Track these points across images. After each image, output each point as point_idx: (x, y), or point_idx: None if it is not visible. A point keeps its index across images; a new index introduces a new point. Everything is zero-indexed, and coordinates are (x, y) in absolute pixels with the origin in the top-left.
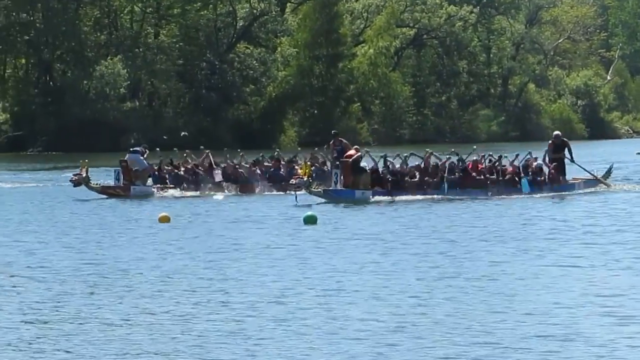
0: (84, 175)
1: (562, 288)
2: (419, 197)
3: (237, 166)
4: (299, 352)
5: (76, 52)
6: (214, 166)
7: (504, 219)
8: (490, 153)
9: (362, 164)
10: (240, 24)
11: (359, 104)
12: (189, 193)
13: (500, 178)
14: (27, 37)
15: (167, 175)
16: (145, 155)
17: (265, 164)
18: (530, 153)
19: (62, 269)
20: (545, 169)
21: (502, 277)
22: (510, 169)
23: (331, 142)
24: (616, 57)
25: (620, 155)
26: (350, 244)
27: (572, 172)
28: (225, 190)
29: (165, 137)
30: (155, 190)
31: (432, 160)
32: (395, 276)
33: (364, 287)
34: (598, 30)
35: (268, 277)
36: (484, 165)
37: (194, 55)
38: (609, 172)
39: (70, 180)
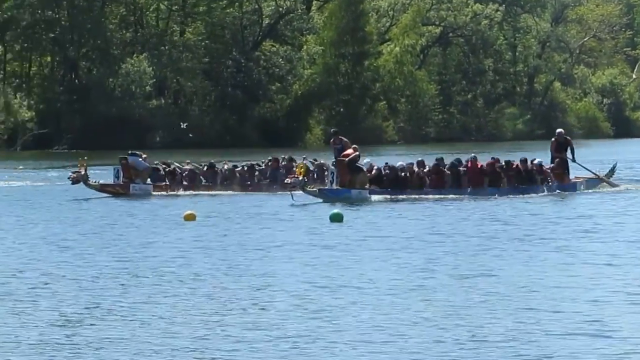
0: (83, 173)
1: (596, 285)
2: (417, 196)
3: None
4: (335, 351)
5: (102, 50)
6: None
7: (527, 217)
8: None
9: (364, 160)
10: (266, 22)
11: (384, 102)
12: (187, 192)
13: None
14: (53, 35)
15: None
16: (142, 157)
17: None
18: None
19: (94, 268)
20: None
21: (532, 275)
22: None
23: (331, 141)
24: None
25: None
26: (379, 242)
27: (573, 172)
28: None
29: (190, 134)
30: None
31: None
32: (427, 274)
33: (396, 285)
34: (623, 29)
35: (301, 274)
36: (482, 165)
37: (220, 53)
38: (612, 171)
39: (68, 178)
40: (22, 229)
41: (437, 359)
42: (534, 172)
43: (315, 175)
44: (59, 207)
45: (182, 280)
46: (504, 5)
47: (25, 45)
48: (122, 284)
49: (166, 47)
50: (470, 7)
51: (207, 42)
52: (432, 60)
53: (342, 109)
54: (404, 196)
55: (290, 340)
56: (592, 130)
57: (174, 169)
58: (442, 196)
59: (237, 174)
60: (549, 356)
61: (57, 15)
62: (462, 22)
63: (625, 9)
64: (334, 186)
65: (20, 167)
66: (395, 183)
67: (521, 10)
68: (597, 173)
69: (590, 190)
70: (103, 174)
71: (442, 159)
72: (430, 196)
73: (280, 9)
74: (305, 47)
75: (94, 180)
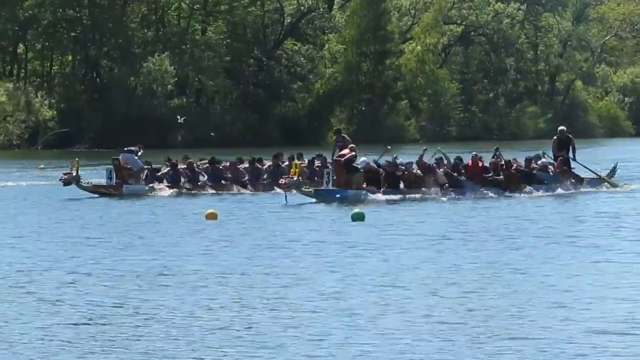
0: (75, 174)
1: (625, 283)
2: (416, 195)
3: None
4: (360, 349)
5: (123, 49)
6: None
7: (554, 215)
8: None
9: (360, 159)
10: (288, 21)
11: (406, 101)
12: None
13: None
14: (74, 34)
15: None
16: (139, 154)
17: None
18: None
19: (121, 267)
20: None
21: (562, 273)
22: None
23: (334, 139)
24: None
25: None
26: (404, 240)
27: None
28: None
29: (212, 133)
30: (148, 188)
31: (426, 158)
32: (453, 272)
33: (422, 284)
34: None
35: (325, 274)
36: (482, 163)
37: (242, 52)
38: (613, 171)
39: (60, 180)
40: (46, 228)
41: (465, 358)
42: (535, 171)
43: (316, 177)
44: (80, 206)
45: (210, 278)
46: (525, 4)
47: (47, 44)
48: (151, 282)
49: (188, 46)
50: (491, 6)
51: (228, 40)
52: (453, 59)
53: (363, 108)
54: (401, 196)
55: (319, 338)
56: (613, 129)
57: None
58: (445, 196)
59: (240, 172)
60: (579, 354)
61: (78, 14)
62: (484, 21)
63: None
64: (330, 186)
65: (42, 165)
66: (391, 183)
67: (542, 9)
68: (599, 173)
69: (591, 190)
70: (99, 175)
71: (441, 158)
72: (428, 196)
73: (302, 8)
74: (327, 45)
75: (86, 181)
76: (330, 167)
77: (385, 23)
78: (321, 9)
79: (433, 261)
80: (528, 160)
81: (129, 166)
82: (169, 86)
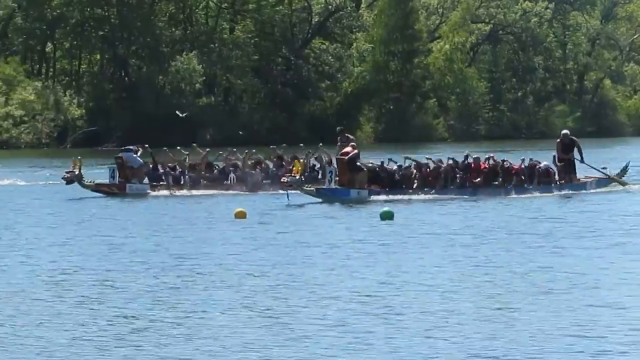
0: (77, 172)
1: None
2: (417, 196)
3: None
4: (397, 348)
5: (151, 48)
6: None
7: (573, 214)
8: (492, 155)
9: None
10: (316, 20)
11: (434, 99)
12: (179, 192)
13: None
14: (102, 33)
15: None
16: (138, 154)
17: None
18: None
19: (154, 266)
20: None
21: (589, 270)
22: (515, 167)
23: (338, 138)
24: None
25: None
26: (434, 239)
27: (582, 173)
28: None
29: (241, 132)
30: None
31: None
32: (484, 271)
33: (457, 281)
34: None
35: (358, 272)
36: (486, 165)
37: (270, 51)
38: (624, 170)
39: (62, 178)
40: (77, 228)
41: (498, 354)
42: (537, 173)
43: (319, 175)
44: (110, 205)
45: (242, 276)
46: (553, 3)
47: (75, 43)
48: (185, 281)
49: (216, 45)
50: (519, 4)
51: (256, 39)
52: (482, 58)
53: (391, 107)
54: (404, 196)
55: (353, 335)
56: None
57: (175, 167)
58: (445, 196)
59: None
60: (609, 351)
61: (106, 13)
62: (512, 20)
63: None
64: (333, 185)
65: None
66: (393, 183)
67: (571, 8)
68: (607, 172)
69: (600, 190)
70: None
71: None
72: (431, 196)
73: (330, 7)
74: (355, 44)
75: (89, 180)
76: (331, 166)
77: (413, 22)
78: (349, 8)
79: (470, 259)
80: (529, 162)
81: (129, 165)
82: (197, 85)
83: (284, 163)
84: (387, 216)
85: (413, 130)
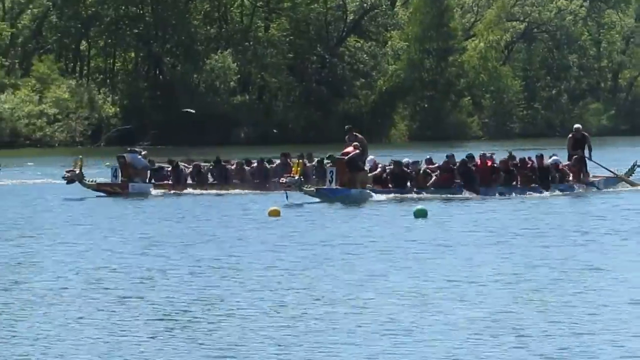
0: (78, 172)
1: None
2: (419, 195)
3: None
4: (439, 348)
5: (186, 46)
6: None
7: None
8: (493, 152)
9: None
10: (351, 18)
11: (469, 97)
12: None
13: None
14: (137, 31)
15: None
16: (143, 154)
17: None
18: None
19: (192, 264)
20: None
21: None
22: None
23: (346, 137)
24: None
25: None
26: (470, 237)
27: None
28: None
29: (275, 130)
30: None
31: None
32: (527, 268)
33: (498, 280)
34: None
35: (399, 270)
36: (494, 163)
37: (304, 49)
38: (632, 170)
39: (63, 177)
40: (112, 228)
41: (545, 351)
42: (550, 170)
43: (315, 175)
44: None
45: (279, 274)
46: (588, 1)
47: (109, 41)
48: (225, 279)
49: (250, 43)
50: (554, 2)
51: (291, 37)
52: (516, 56)
53: (426, 105)
54: (408, 195)
55: (395, 333)
56: None
57: (178, 165)
58: (450, 195)
59: (247, 172)
60: None
61: (141, 11)
62: (547, 18)
63: None
64: (334, 185)
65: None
66: (398, 181)
67: (605, 6)
68: (616, 172)
69: (609, 189)
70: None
71: (452, 155)
72: (437, 195)
73: (365, 5)
74: (389, 42)
75: (90, 179)
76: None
77: (448, 20)
78: (384, 6)
79: (506, 257)
80: (539, 158)
81: (133, 165)
82: (232, 83)
83: (288, 162)
84: (421, 214)
85: (447, 129)
